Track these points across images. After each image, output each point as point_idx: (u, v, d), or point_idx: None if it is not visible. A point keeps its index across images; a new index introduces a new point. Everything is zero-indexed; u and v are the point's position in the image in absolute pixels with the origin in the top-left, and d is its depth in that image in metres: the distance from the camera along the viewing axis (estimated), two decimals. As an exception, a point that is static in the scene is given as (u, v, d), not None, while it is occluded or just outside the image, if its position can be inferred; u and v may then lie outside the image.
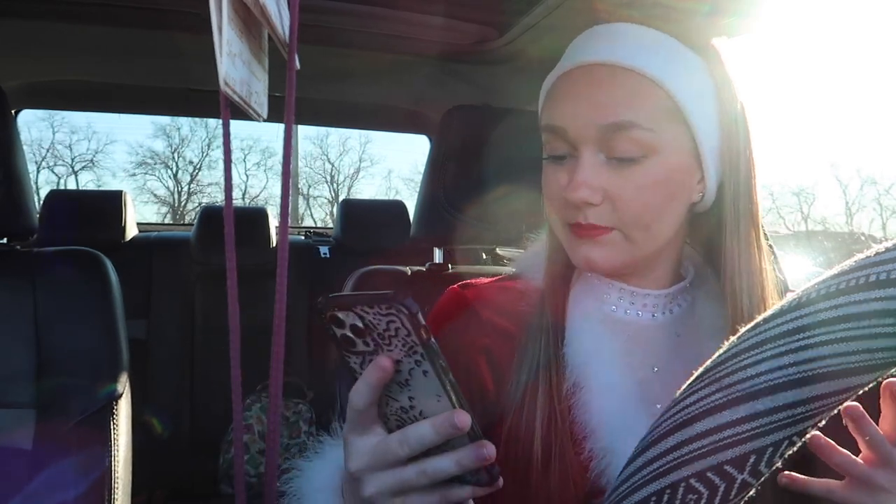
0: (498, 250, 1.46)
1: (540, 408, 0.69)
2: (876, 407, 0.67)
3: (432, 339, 0.47)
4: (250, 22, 0.35)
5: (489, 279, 0.83)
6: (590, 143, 0.68)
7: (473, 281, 0.82)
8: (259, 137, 18.63)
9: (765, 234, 0.75)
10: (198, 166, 18.57)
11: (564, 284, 0.76)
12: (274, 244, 2.46)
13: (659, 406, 0.68)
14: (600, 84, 0.68)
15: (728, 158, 0.71)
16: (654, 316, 0.74)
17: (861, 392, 0.35)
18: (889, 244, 0.32)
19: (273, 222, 2.53)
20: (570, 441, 0.68)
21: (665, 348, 0.73)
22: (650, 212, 0.68)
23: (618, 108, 0.66)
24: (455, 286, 0.81)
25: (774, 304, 0.72)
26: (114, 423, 1.01)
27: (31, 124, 16.95)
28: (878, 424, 0.65)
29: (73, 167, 17.51)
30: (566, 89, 0.71)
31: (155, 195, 18.37)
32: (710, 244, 0.77)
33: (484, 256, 1.87)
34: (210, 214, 2.48)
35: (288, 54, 0.36)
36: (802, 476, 0.67)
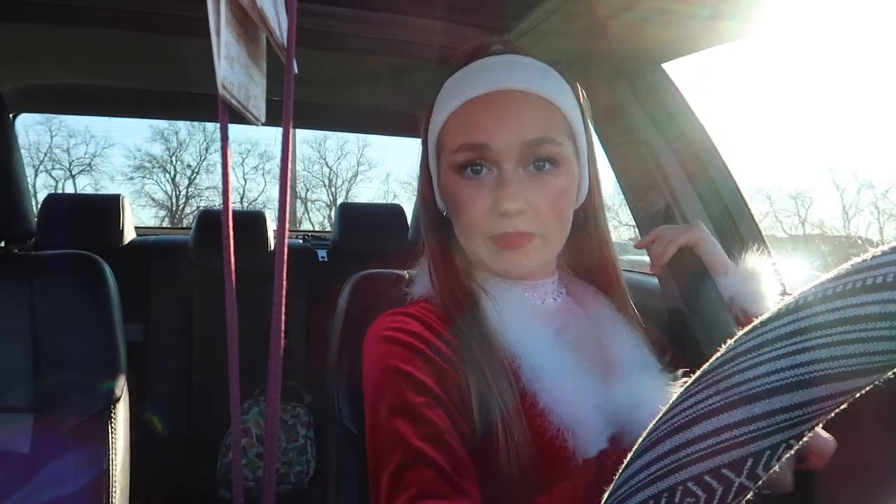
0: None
1: (509, 394, 0.76)
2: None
3: None
4: (248, 26, 0.35)
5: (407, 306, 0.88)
6: (512, 158, 0.78)
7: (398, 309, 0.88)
8: (257, 141, 18.61)
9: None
10: (196, 170, 18.52)
11: (465, 298, 0.84)
12: (272, 248, 2.46)
13: (583, 369, 0.80)
14: (520, 106, 0.78)
15: (592, 172, 0.87)
16: (554, 300, 0.89)
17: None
18: (886, 248, 0.32)
19: (271, 226, 2.53)
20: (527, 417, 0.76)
21: (568, 324, 0.87)
22: (563, 215, 0.82)
23: (536, 125, 0.78)
24: (387, 314, 0.85)
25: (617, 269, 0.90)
26: (111, 427, 1.01)
27: (29, 128, 16.94)
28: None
29: (70, 171, 17.46)
30: (485, 110, 0.79)
31: (153, 199, 18.31)
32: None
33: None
34: (208, 218, 2.48)
35: (286, 58, 0.36)
36: None
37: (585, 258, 0.93)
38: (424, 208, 0.90)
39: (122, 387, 1.04)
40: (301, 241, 2.78)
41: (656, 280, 1.42)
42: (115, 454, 1.00)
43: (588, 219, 0.89)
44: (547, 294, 0.89)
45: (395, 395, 0.75)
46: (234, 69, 0.33)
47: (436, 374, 0.76)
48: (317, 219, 19.01)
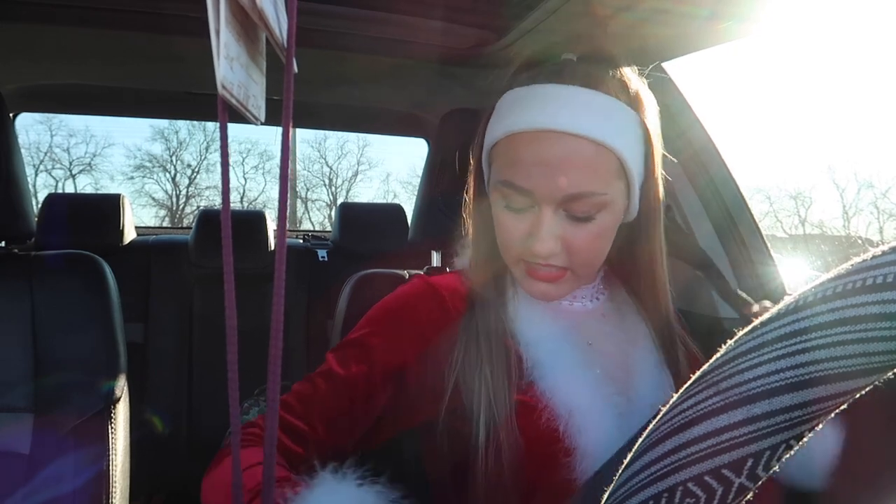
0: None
1: (502, 379, 0.79)
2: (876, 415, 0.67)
3: None
4: (248, 25, 0.35)
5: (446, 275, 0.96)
6: (552, 204, 0.77)
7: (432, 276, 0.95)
8: (257, 140, 18.57)
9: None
10: (196, 169, 18.49)
11: (500, 286, 0.88)
12: (272, 248, 2.46)
13: (598, 371, 0.82)
14: (567, 153, 0.75)
15: (647, 186, 0.82)
16: (583, 304, 0.90)
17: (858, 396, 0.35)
18: (886, 248, 0.32)
19: (271, 226, 2.53)
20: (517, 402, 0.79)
21: (595, 326, 0.88)
22: (598, 253, 0.82)
23: (582, 179, 0.75)
24: (420, 277, 0.94)
25: (666, 287, 0.87)
26: (111, 427, 1.01)
27: (29, 127, 16.89)
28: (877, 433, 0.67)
29: (70, 171, 17.44)
30: (532, 153, 0.77)
31: (153, 198, 18.27)
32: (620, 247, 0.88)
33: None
34: (208, 218, 2.47)
35: (286, 58, 0.36)
36: None
37: (633, 275, 0.91)
38: (476, 198, 0.91)
39: (122, 387, 1.04)
40: (301, 241, 2.77)
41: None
42: (115, 454, 1.00)
43: (640, 235, 0.86)
44: (576, 297, 0.90)
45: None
46: (233, 69, 0.33)
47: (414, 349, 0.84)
48: (317, 219, 19.00)
